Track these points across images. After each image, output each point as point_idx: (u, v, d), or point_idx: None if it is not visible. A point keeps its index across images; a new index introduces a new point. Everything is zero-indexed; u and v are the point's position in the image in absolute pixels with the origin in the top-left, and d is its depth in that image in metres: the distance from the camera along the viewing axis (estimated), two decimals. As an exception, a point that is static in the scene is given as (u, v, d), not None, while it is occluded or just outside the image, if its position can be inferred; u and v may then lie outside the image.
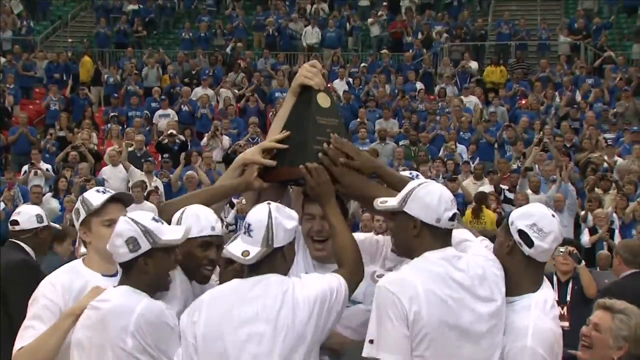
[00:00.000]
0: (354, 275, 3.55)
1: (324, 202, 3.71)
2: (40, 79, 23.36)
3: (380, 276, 3.66)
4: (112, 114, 20.07)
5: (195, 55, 23.85)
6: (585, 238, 12.90)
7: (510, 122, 18.98)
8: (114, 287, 3.52)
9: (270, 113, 18.95)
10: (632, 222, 13.11)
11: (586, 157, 16.05)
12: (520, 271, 3.52)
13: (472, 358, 3.33)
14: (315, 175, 3.69)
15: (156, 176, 15.85)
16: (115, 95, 21.50)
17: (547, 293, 3.56)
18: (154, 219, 3.49)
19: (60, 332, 3.50)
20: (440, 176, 15.46)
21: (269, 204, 3.46)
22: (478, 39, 24.81)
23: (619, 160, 16.32)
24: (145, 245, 3.41)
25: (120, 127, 19.06)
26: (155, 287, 3.47)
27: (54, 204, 14.37)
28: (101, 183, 15.13)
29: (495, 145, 18.09)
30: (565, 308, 8.09)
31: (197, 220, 3.68)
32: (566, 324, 7.03)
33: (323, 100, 3.96)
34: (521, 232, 3.49)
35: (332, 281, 3.43)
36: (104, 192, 3.86)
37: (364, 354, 3.29)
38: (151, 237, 3.42)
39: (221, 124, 18.71)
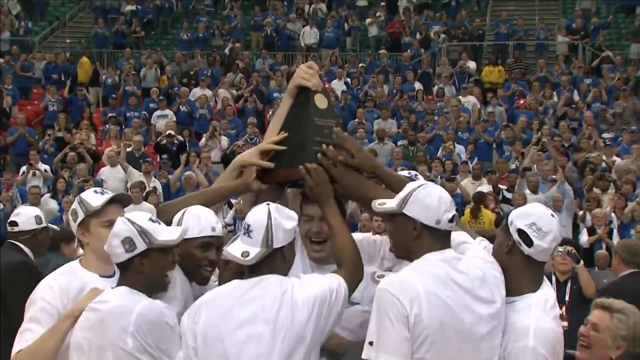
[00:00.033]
0: (353, 275, 3.55)
1: (323, 202, 3.71)
2: (39, 79, 23.34)
3: (381, 277, 3.66)
4: (110, 114, 20.07)
5: (194, 56, 23.85)
6: (584, 238, 12.91)
7: (509, 122, 18.99)
8: (112, 288, 3.52)
9: (269, 113, 18.96)
10: (631, 221, 13.12)
11: (584, 157, 16.06)
12: (520, 271, 3.52)
13: None
14: (314, 175, 3.69)
15: (154, 177, 15.84)
16: (114, 95, 21.48)
17: (547, 293, 3.56)
18: (150, 219, 3.49)
19: (58, 334, 3.49)
20: (439, 176, 15.47)
21: (268, 204, 3.46)
22: (476, 39, 24.82)
23: (617, 160, 16.33)
24: (141, 246, 3.41)
25: (119, 128, 19.07)
26: (153, 287, 3.46)
27: (53, 204, 14.37)
28: (99, 184, 15.11)
29: (494, 146, 18.10)
30: (564, 308, 8.08)
31: (198, 220, 3.68)
32: (565, 324, 7.04)
33: (320, 101, 3.96)
34: (520, 232, 3.49)
35: (332, 282, 3.43)
36: (102, 193, 3.85)
37: (363, 356, 3.27)
38: (147, 237, 3.41)
39: (219, 125, 18.71)
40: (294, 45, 25.21)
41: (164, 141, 17.84)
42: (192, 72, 22.81)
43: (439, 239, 3.41)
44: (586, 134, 17.53)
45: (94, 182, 14.47)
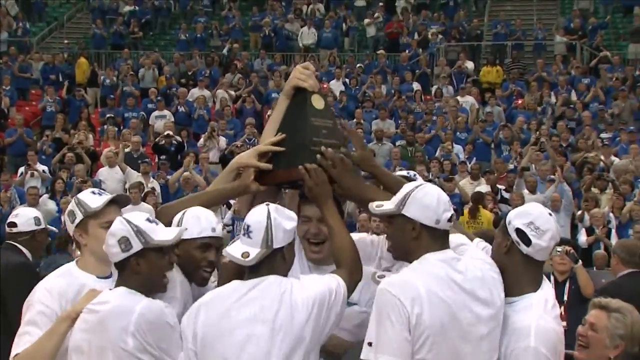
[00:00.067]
0: (352, 276, 3.55)
1: (322, 203, 3.71)
2: (37, 80, 23.33)
3: (381, 277, 3.66)
4: (109, 115, 20.06)
5: (192, 56, 23.84)
6: (582, 238, 12.91)
7: (507, 122, 19.00)
8: (110, 289, 3.51)
9: (267, 114, 18.95)
10: (629, 221, 13.11)
11: (582, 157, 16.06)
12: (520, 271, 3.53)
13: None
14: (313, 176, 3.70)
15: (153, 177, 15.84)
16: (112, 96, 21.46)
17: (547, 292, 3.57)
18: (148, 219, 3.49)
19: (57, 336, 3.48)
20: (437, 177, 15.48)
21: (267, 205, 3.46)
22: (474, 39, 24.83)
23: (616, 160, 16.35)
24: (137, 245, 3.41)
25: (117, 129, 19.07)
26: (150, 287, 3.45)
27: (51, 205, 14.36)
28: (98, 184, 15.11)
29: (492, 146, 18.10)
30: (562, 308, 8.08)
31: (198, 221, 3.69)
32: (564, 323, 7.05)
33: (317, 101, 3.96)
34: (519, 231, 3.50)
35: (331, 282, 3.43)
36: (100, 194, 3.85)
37: (362, 357, 3.27)
38: (143, 237, 3.42)
39: (218, 125, 18.70)
40: (292, 45, 25.22)
41: (163, 142, 17.84)
42: (190, 73, 22.81)
43: (438, 239, 3.42)
44: (586, 135, 17.54)
45: (92, 183, 14.47)
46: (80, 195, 3.86)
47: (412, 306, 3.21)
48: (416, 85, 21.74)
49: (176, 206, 3.88)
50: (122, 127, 19.58)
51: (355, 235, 3.93)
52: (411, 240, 3.41)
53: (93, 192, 3.88)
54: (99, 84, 22.82)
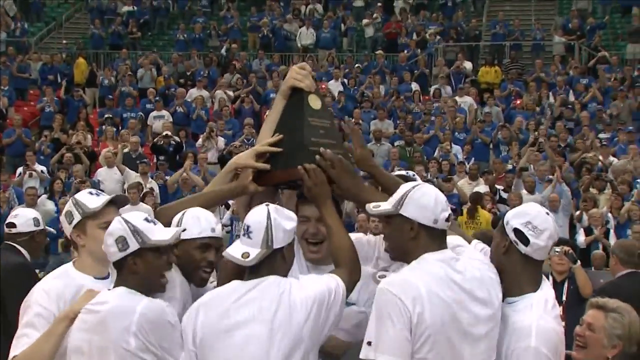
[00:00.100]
0: (351, 275, 3.55)
1: (321, 203, 3.71)
2: (35, 80, 23.32)
3: (382, 277, 3.66)
4: (107, 115, 20.04)
5: (190, 57, 23.82)
6: (581, 238, 12.92)
7: (505, 122, 19.01)
8: (109, 289, 3.51)
9: (265, 114, 18.94)
10: (627, 221, 13.12)
11: (581, 157, 16.08)
12: (519, 271, 3.54)
13: None
14: (313, 176, 3.69)
15: (151, 178, 15.83)
16: (110, 96, 21.45)
17: (547, 293, 3.58)
18: (146, 219, 3.48)
19: (55, 336, 3.47)
20: (436, 177, 15.49)
21: (267, 205, 3.46)
22: (472, 40, 24.84)
23: (614, 160, 16.37)
24: (133, 245, 3.41)
25: (115, 129, 19.06)
26: (148, 287, 3.44)
27: (50, 205, 14.34)
28: (96, 184, 15.11)
29: (491, 146, 18.11)
30: (561, 308, 8.09)
31: (197, 221, 3.69)
32: (562, 324, 7.06)
33: (314, 102, 3.96)
34: (517, 231, 3.51)
35: (330, 282, 3.43)
36: (98, 195, 3.84)
37: (361, 356, 3.27)
38: (140, 236, 3.41)
39: (216, 125, 18.70)
40: (290, 46, 25.22)
41: (161, 142, 17.83)
42: (188, 73, 22.81)
43: (436, 238, 3.42)
44: (586, 136, 17.56)
45: (90, 184, 14.46)
46: (78, 196, 3.85)
47: (414, 305, 3.21)
48: (415, 86, 21.74)
49: (175, 207, 3.88)
50: (120, 128, 19.59)
51: (352, 236, 3.93)
52: (409, 240, 3.41)
53: (90, 193, 3.87)
54: (97, 84, 22.80)
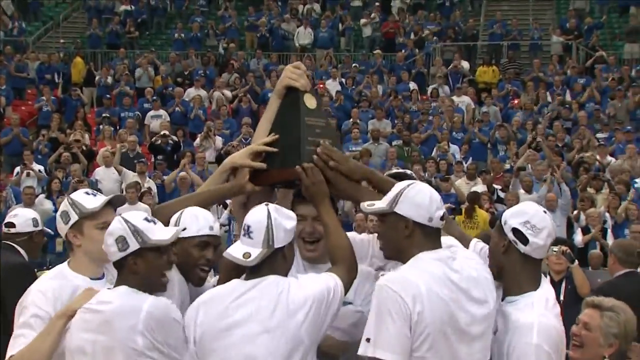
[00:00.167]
0: (349, 273, 3.56)
1: (318, 201, 3.71)
2: (33, 80, 23.29)
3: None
4: (105, 115, 20.04)
5: (188, 56, 23.81)
6: (578, 238, 12.92)
7: (503, 122, 19.02)
8: (109, 288, 3.50)
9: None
10: (625, 221, 13.14)
11: (579, 157, 16.10)
12: (518, 270, 3.55)
13: None
14: (310, 175, 3.69)
15: (149, 177, 15.83)
16: (108, 96, 21.45)
17: (547, 291, 3.59)
18: (146, 218, 3.47)
19: (54, 334, 3.45)
20: (433, 176, 15.50)
21: (267, 204, 3.46)
22: (470, 39, 24.85)
23: (612, 159, 16.39)
24: (133, 245, 3.40)
25: (113, 128, 19.05)
26: (148, 287, 3.43)
27: (48, 205, 14.32)
28: (94, 184, 15.11)
29: (488, 145, 18.12)
30: (558, 308, 8.11)
31: (196, 219, 3.70)
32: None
33: (310, 101, 3.96)
34: (515, 231, 3.52)
35: (329, 281, 3.43)
36: (94, 195, 3.82)
37: (359, 352, 3.27)
38: (140, 236, 3.40)
39: (214, 125, 18.70)
40: (288, 45, 25.22)
41: (159, 141, 17.82)
42: (186, 72, 22.79)
43: (431, 237, 3.42)
44: (583, 135, 17.58)
45: (88, 183, 14.45)
46: (74, 196, 3.82)
47: (414, 304, 3.21)
48: (412, 85, 21.74)
49: (172, 206, 3.88)
50: (118, 127, 19.58)
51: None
52: (404, 239, 3.41)
53: (87, 193, 3.84)
54: (95, 84, 22.79)
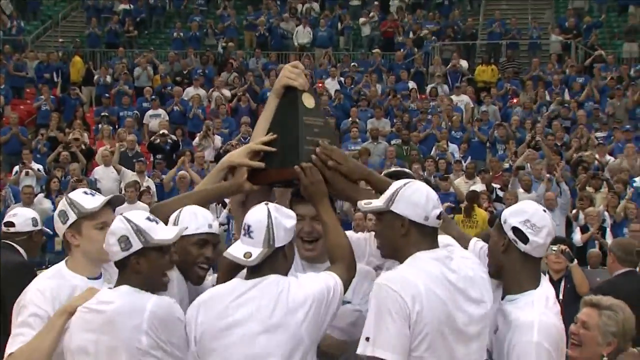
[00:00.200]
0: (349, 272, 3.56)
1: (317, 201, 3.70)
2: (32, 79, 23.28)
3: None
4: (103, 114, 20.04)
5: (187, 55, 23.81)
6: (577, 236, 12.93)
7: (502, 121, 19.03)
8: (110, 288, 3.50)
9: (262, 113, 18.92)
10: (624, 220, 13.15)
11: (578, 156, 16.11)
12: (518, 269, 3.55)
13: None
14: (309, 174, 3.69)
15: (148, 176, 15.83)
16: (107, 95, 21.45)
17: (547, 290, 3.59)
18: (148, 218, 3.47)
19: (54, 331, 3.44)
20: (432, 175, 15.51)
21: (266, 204, 3.46)
22: (469, 38, 24.85)
23: (610, 158, 16.40)
24: (136, 244, 3.39)
25: (112, 128, 19.05)
26: (151, 286, 3.43)
27: (47, 204, 14.31)
28: (93, 183, 15.10)
29: (487, 144, 18.13)
30: (557, 307, 8.10)
31: (195, 218, 3.70)
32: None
33: (308, 100, 3.95)
34: (515, 229, 3.52)
35: (329, 280, 3.43)
36: (93, 195, 3.81)
37: (358, 351, 3.26)
38: (143, 236, 3.40)
39: (213, 124, 18.70)
40: (287, 44, 25.22)
41: (158, 140, 17.82)
42: (185, 72, 22.79)
43: (427, 236, 3.41)
44: (579, 134, 17.60)
45: (87, 182, 14.45)
46: (72, 196, 3.80)
47: (413, 303, 3.21)
48: (411, 84, 21.75)
49: (170, 205, 3.87)
50: (117, 126, 19.59)
51: None
52: (400, 237, 3.41)
53: (85, 193, 3.82)
54: (93, 83, 22.81)
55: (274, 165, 3.85)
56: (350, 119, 19.20)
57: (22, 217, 6.12)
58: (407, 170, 4.33)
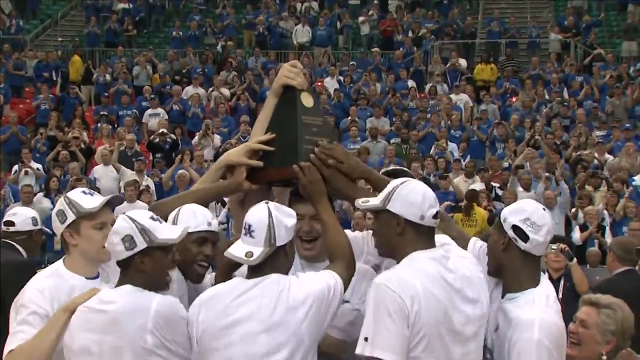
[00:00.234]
0: (348, 270, 3.56)
1: (316, 200, 3.70)
2: (31, 78, 23.27)
3: None
4: (103, 113, 20.03)
5: (186, 54, 23.81)
6: (576, 235, 12.94)
7: (502, 119, 19.03)
8: (112, 288, 3.49)
9: (261, 112, 18.91)
10: (623, 219, 13.16)
11: (577, 155, 16.11)
12: (519, 267, 3.55)
13: None
14: (307, 173, 3.69)
15: (147, 175, 15.82)
16: (106, 94, 21.45)
17: (547, 288, 3.60)
18: (152, 217, 3.46)
19: (56, 330, 3.43)
20: (432, 174, 15.51)
21: (267, 203, 3.46)
22: (468, 37, 24.85)
23: (609, 157, 16.40)
24: (141, 244, 3.39)
25: (111, 127, 19.04)
26: (153, 286, 3.43)
27: (46, 203, 14.30)
28: (92, 182, 15.09)
29: (487, 143, 18.12)
30: (557, 305, 8.10)
31: (194, 215, 3.70)
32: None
33: (307, 99, 3.95)
34: (516, 228, 3.52)
35: (329, 279, 3.42)
36: (92, 194, 3.79)
37: (357, 351, 3.26)
38: (147, 235, 3.39)
39: (212, 123, 18.69)
40: (286, 43, 25.22)
41: (157, 139, 17.82)
42: (184, 71, 22.78)
43: (423, 235, 3.41)
44: (578, 132, 17.61)
45: (86, 181, 14.45)
46: (71, 195, 3.78)
47: (412, 304, 3.20)
48: (411, 83, 21.74)
49: (169, 203, 3.87)
50: (116, 125, 19.58)
51: None
52: (396, 236, 3.41)
53: (84, 192, 3.80)
54: (93, 82, 22.80)
55: (273, 165, 3.85)
56: (349, 117, 19.20)
57: (22, 216, 6.12)
58: (405, 168, 4.33)
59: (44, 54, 23.80)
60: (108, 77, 22.44)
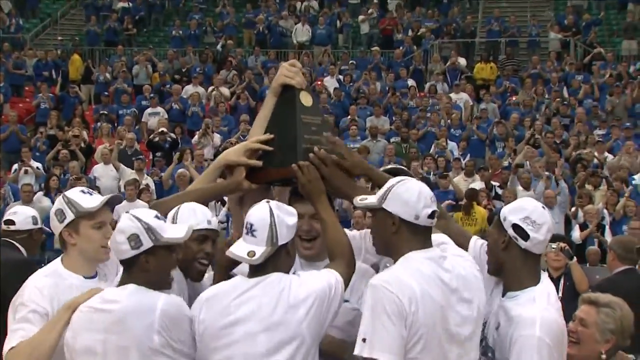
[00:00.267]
0: (348, 268, 3.56)
1: (315, 198, 3.71)
2: (30, 77, 23.27)
3: None
4: (102, 112, 20.02)
5: (186, 53, 23.81)
6: (576, 234, 12.94)
7: (501, 118, 19.03)
8: (116, 287, 3.48)
9: (261, 111, 18.91)
10: (623, 218, 13.17)
11: (577, 154, 16.12)
12: (519, 266, 3.56)
13: None
14: (306, 172, 3.70)
15: (147, 174, 15.82)
16: (106, 93, 21.45)
17: (548, 286, 3.60)
18: (156, 216, 3.46)
19: (58, 328, 3.43)
20: (432, 173, 15.51)
21: (268, 202, 3.46)
22: (468, 36, 24.85)
23: (609, 156, 16.40)
24: (147, 243, 3.38)
25: (111, 125, 19.04)
26: (157, 285, 3.42)
27: (46, 202, 14.28)
28: (92, 181, 15.09)
29: (486, 142, 18.13)
30: (556, 304, 8.10)
31: (194, 214, 3.70)
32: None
33: (306, 99, 3.95)
34: (516, 226, 3.52)
35: (330, 277, 3.42)
36: (91, 194, 3.79)
37: (355, 352, 3.25)
38: (153, 234, 3.39)
39: (212, 122, 18.69)
40: (286, 42, 25.23)
41: (157, 138, 17.82)
42: (184, 70, 22.78)
43: (419, 235, 3.40)
44: (577, 131, 17.61)
45: (86, 180, 14.45)
46: (70, 194, 3.77)
47: (410, 305, 3.20)
48: (410, 82, 21.74)
49: (168, 203, 3.86)
50: (116, 124, 19.57)
51: None
52: (391, 235, 3.40)
53: (83, 192, 3.80)
54: (92, 81, 22.80)
55: (273, 164, 3.85)
56: (349, 116, 19.20)
57: (22, 215, 6.13)
58: (404, 167, 4.33)
59: (44, 53, 23.80)
60: (108, 76, 22.43)
